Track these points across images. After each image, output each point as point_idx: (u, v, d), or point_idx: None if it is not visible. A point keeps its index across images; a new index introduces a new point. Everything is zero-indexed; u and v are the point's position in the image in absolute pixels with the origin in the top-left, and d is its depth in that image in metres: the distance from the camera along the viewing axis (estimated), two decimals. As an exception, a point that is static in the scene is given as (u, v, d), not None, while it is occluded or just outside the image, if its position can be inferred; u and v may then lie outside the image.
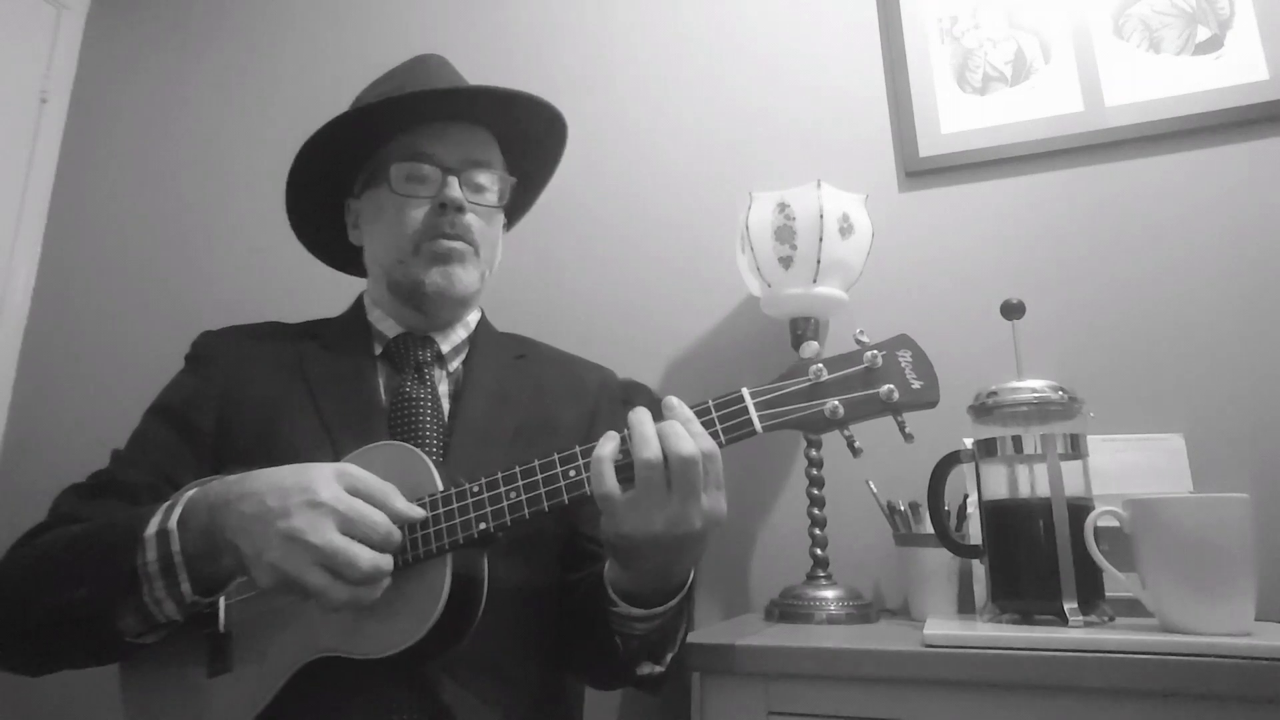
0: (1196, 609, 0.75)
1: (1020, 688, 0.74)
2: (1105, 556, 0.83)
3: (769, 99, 1.48)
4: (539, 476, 0.73)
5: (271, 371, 0.93)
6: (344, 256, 1.07)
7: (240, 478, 0.73)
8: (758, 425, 0.72)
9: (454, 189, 0.92)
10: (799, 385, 0.73)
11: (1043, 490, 0.88)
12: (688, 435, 0.68)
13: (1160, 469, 1.06)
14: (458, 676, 0.79)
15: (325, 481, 0.69)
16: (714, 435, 0.71)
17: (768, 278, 1.18)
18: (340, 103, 1.04)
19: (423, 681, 0.77)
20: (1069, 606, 0.82)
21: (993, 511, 0.92)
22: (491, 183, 0.97)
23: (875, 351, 0.73)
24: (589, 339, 1.32)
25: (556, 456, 0.73)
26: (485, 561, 0.76)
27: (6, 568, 0.80)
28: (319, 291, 1.15)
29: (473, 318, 1.03)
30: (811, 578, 1.10)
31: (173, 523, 0.72)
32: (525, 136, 1.02)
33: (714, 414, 0.72)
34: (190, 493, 0.75)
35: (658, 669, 0.82)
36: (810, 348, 0.75)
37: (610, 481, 0.69)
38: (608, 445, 0.70)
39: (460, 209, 0.92)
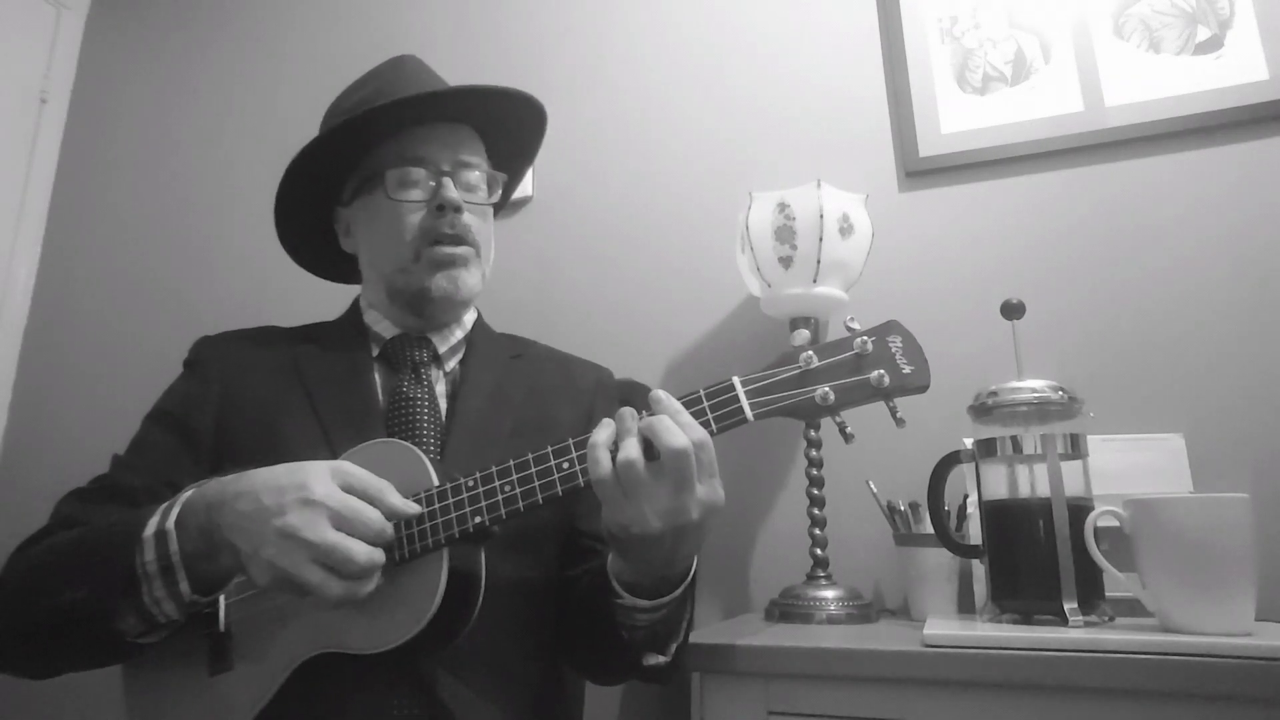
0: (1196, 609, 0.75)
1: (1020, 688, 0.74)
2: (1105, 556, 0.83)
3: (769, 99, 1.48)
4: (533, 470, 0.73)
5: (269, 374, 0.93)
6: (331, 266, 1.07)
7: (236, 477, 0.73)
8: (749, 413, 0.72)
9: (450, 190, 0.92)
10: (789, 373, 0.73)
11: (1043, 490, 0.87)
12: (677, 428, 0.69)
13: (1160, 469, 1.06)
14: (456, 673, 0.79)
15: (320, 478, 0.70)
16: (705, 424, 0.71)
17: (768, 278, 1.18)
18: (327, 108, 1.04)
19: (421, 678, 0.78)
20: (1069, 606, 0.82)
21: (993, 511, 0.92)
22: (481, 180, 0.98)
23: (865, 338, 0.73)
24: (588, 339, 1.32)
25: (550, 449, 0.74)
26: (482, 557, 0.76)
27: (8, 573, 0.80)
28: (318, 294, 1.15)
29: (469, 318, 1.03)
30: (811, 578, 1.10)
31: (171, 523, 0.72)
32: (505, 128, 1.03)
33: (705, 403, 0.73)
34: (188, 493, 0.75)
35: (663, 659, 0.82)
36: (801, 335, 0.75)
37: (605, 466, 0.69)
38: (603, 432, 0.71)
39: (458, 209, 0.93)
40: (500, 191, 1.01)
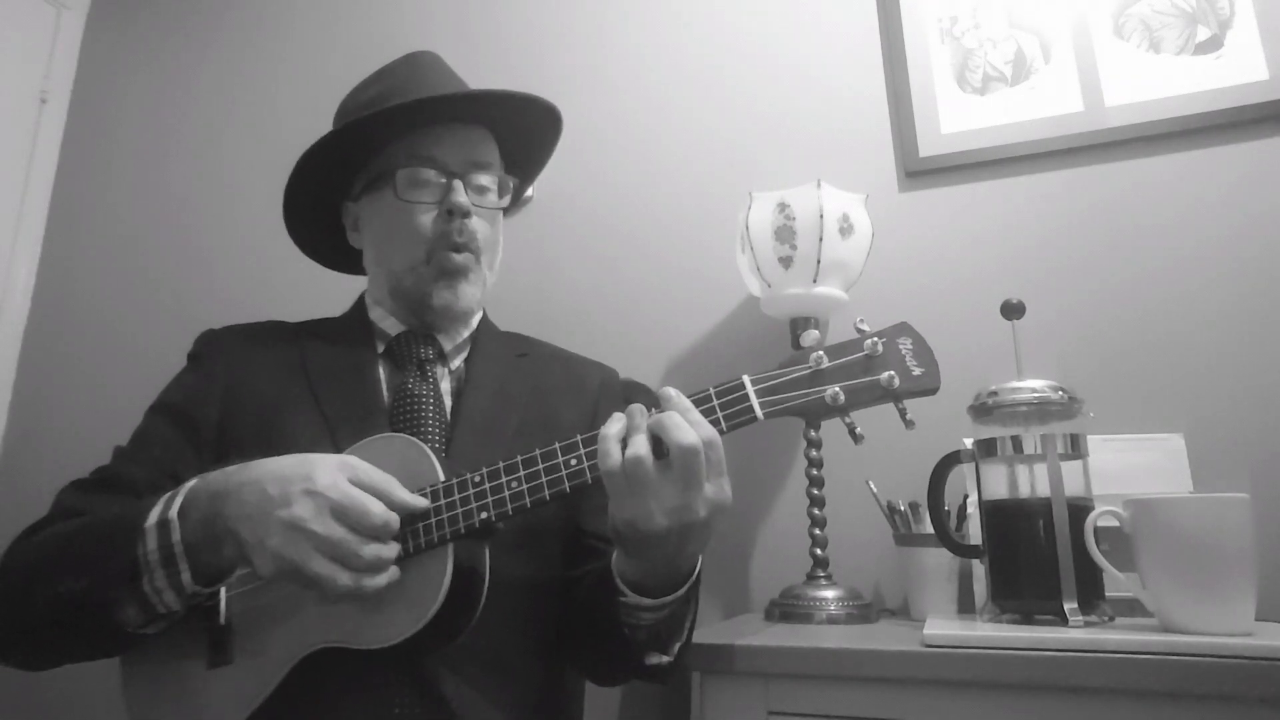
0: (1196, 609, 0.75)
1: (1020, 688, 0.74)
2: (1105, 556, 0.82)
3: (769, 99, 1.48)
4: (540, 466, 0.73)
5: (273, 369, 0.93)
6: (336, 256, 1.07)
7: (241, 467, 0.73)
8: (759, 412, 0.73)
9: (460, 194, 0.92)
10: (800, 372, 0.74)
11: (1043, 490, 0.87)
12: (687, 425, 0.69)
13: (1160, 469, 1.06)
14: (458, 670, 0.79)
15: (326, 470, 0.70)
16: (715, 423, 0.72)
17: (768, 278, 1.18)
18: (340, 102, 1.04)
19: (423, 674, 0.78)
20: (1069, 606, 0.82)
21: (993, 511, 0.92)
22: (493, 183, 0.98)
23: (876, 339, 0.74)
24: (589, 338, 1.32)
25: (558, 445, 0.74)
26: (487, 554, 0.76)
27: (8, 562, 0.80)
28: (320, 291, 1.15)
29: (474, 317, 1.03)
30: (811, 578, 1.10)
31: (173, 513, 0.72)
32: (521, 132, 1.02)
33: (715, 401, 0.73)
34: (191, 484, 0.75)
35: (666, 659, 0.82)
36: (810, 336, 0.76)
37: (615, 458, 0.69)
38: (614, 425, 0.71)
39: (466, 214, 0.92)
40: (511, 195, 1.00)
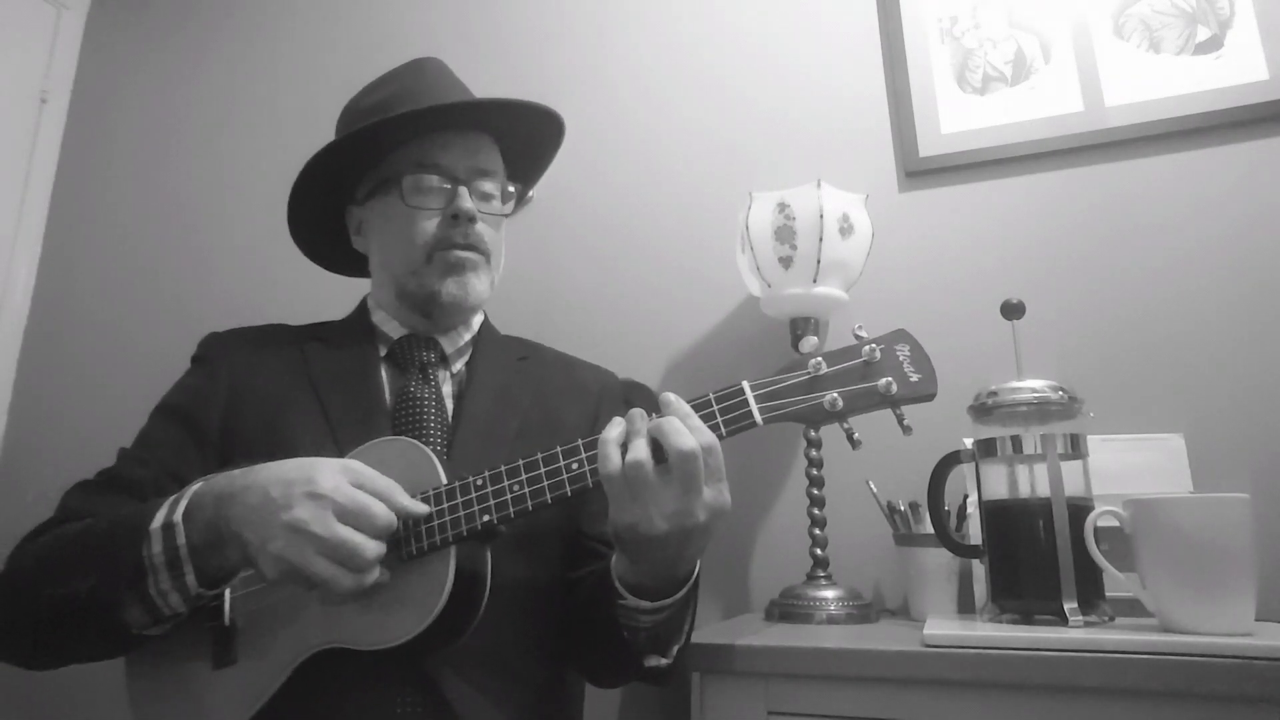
0: (1196, 609, 0.75)
1: (1020, 688, 0.74)
2: (1105, 556, 0.83)
3: (769, 99, 1.48)
4: (542, 469, 0.74)
5: (277, 372, 0.94)
6: (339, 259, 1.07)
7: (245, 471, 0.74)
8: (758, 417, 0.73)
9: (465, 200, 0.93)
10: (799, 378, 0.74)
11: (1043, 490, 0.88)
12: (686, 430, 0.69)
13: (1160, 469, 1.06)
14: (460, 670, 0.79)
15: (328, 473, 0.71)
16: (714, 428, 0.72)
17: (768, 278, 1.18)
18: (341, 104, 1.04)
19: (425, 675, 0.78)
20: (1069, 606, 0.82)
21: (993, 511, 0.92)
22: (496, 189, 0.99)
23: (874, 345, 0.74)
24: (589, 339, 1.32)
25: (559, 449, 0.74)
26: (489, 556, 0.76)
27: (14, 562, 0.81)
28: (322, 293, 1.15)
29: (476, 320, 1.04)
30: (811, 578, 1.11)
31: (178, 515, 0.73)
32: (524, 138, 1.03)
33: (714, 406, 0.74)
34: (195, 487, 0.76)
35: (664, 661, 0.82)
36: (809, 343, 0.77)
37: (615, 462, 0.70)
38: (614, 429, 0.72)
39: (472, 220, 0.93)
40: (514, 202, 1.01)
